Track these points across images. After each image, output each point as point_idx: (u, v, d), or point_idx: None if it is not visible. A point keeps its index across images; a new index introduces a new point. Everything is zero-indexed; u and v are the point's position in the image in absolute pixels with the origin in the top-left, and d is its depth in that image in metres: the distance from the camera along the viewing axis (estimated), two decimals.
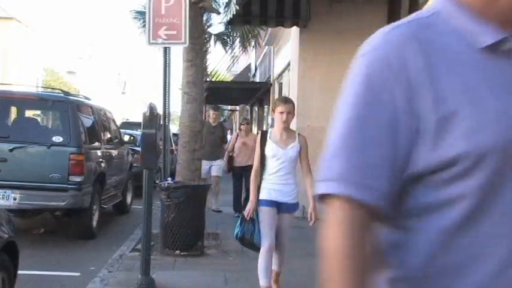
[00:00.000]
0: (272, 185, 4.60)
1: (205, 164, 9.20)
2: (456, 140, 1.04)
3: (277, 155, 4.57)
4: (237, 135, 9.99)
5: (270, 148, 4.59)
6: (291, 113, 4.62)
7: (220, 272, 5.66)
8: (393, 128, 1.06)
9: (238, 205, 9.01)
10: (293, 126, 10.07)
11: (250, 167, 8.96)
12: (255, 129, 19.44)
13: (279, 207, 4.62)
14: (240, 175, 9.54)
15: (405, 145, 1.06)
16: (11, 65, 29.75)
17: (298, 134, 4.80)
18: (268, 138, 4.64)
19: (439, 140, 1.04)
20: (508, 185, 1.06)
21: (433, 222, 1.08)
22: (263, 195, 4.59)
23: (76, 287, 5.38)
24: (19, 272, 4.09)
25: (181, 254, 6.22)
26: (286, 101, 4.73)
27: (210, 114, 10.18)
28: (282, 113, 4.60)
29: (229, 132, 19.94)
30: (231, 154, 9.62)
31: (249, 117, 21.62)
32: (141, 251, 5.07)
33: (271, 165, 4.59)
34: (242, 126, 10.05)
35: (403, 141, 1.05)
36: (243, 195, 8.94)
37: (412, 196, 1.10)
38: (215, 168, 9.89)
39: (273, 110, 4.71)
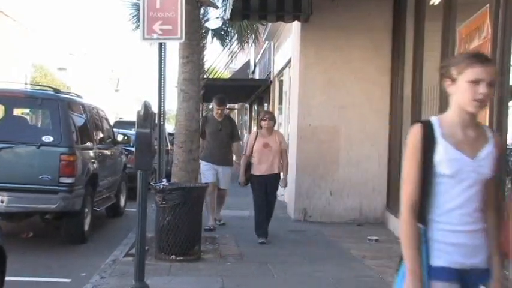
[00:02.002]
0: (450, 235, 2.34)
1: (208, 167, 8.13)
2: None
3: (462, 172, 2.33)
4: (256, 134, 7.74)
5: (447, 157, 2.33)
6: (493, 85, 2.33)
7: (218, 278, 5.57)
8: None
9: (263, 226, 7.38)
10: (293, 126, 9.94)
11: (274, 176, 7.74)
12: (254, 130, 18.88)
13: (463, 279, 2.37)
14: (263, 183, 7.42)
15: None
16: None
17: (489, 128, 2.57)
18: (438, 136, 2.35)
19: None
20: None
21: None
22: (435, 259, 2.33)
23: None
24: (6, 278, 4.01)
25: (177, 258, 6.15)
26: (487, 59, 2.36)
27: (214, 110, 8.49)
28: (476, 82, 2.29)
29: None
30: (249, 160, 7.54)
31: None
32: (135, 256, 5.00)
33: (449, 193, 2.34)
34: (263, 122, 7.63)
35: None
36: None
37: None
38: (223, 178, 8.25)
39: (446, 77, 2.38)
